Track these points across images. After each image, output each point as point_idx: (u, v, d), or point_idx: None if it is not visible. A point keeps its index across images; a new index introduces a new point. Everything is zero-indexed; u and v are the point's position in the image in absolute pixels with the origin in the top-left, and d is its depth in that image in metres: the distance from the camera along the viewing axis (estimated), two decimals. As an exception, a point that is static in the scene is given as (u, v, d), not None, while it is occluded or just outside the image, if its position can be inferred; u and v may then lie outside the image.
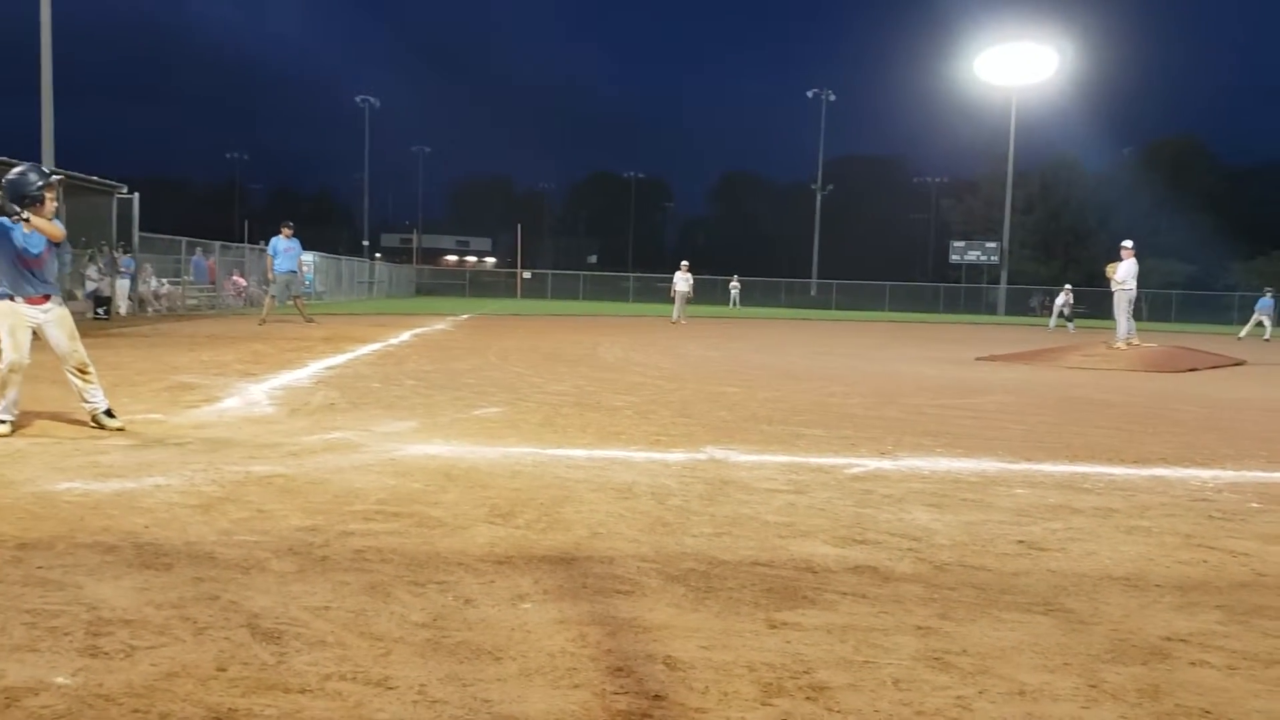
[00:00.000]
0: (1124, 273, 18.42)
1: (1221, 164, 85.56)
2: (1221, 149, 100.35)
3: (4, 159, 17.35)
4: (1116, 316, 18.61)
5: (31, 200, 6.60)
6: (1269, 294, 34.03)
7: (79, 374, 6.91)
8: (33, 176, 6.69)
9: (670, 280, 31.43)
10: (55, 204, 6.77)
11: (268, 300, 21.95)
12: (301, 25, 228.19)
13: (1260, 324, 32.92)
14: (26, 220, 6.48)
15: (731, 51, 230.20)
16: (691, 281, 30.95)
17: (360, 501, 4.94)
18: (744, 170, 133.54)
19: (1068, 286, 37.72)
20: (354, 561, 3.90)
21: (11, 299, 6.71)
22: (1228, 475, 6.50)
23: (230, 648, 2.98)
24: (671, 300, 30.69)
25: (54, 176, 6.90)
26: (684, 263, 31.32)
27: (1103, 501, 5.51)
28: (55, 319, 6.88)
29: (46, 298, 6.84)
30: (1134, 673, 3.02)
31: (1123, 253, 18.54)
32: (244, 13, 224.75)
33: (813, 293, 71.11)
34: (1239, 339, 30.79)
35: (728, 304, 55.13)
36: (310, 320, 21.42)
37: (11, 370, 6.67)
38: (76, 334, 6.99)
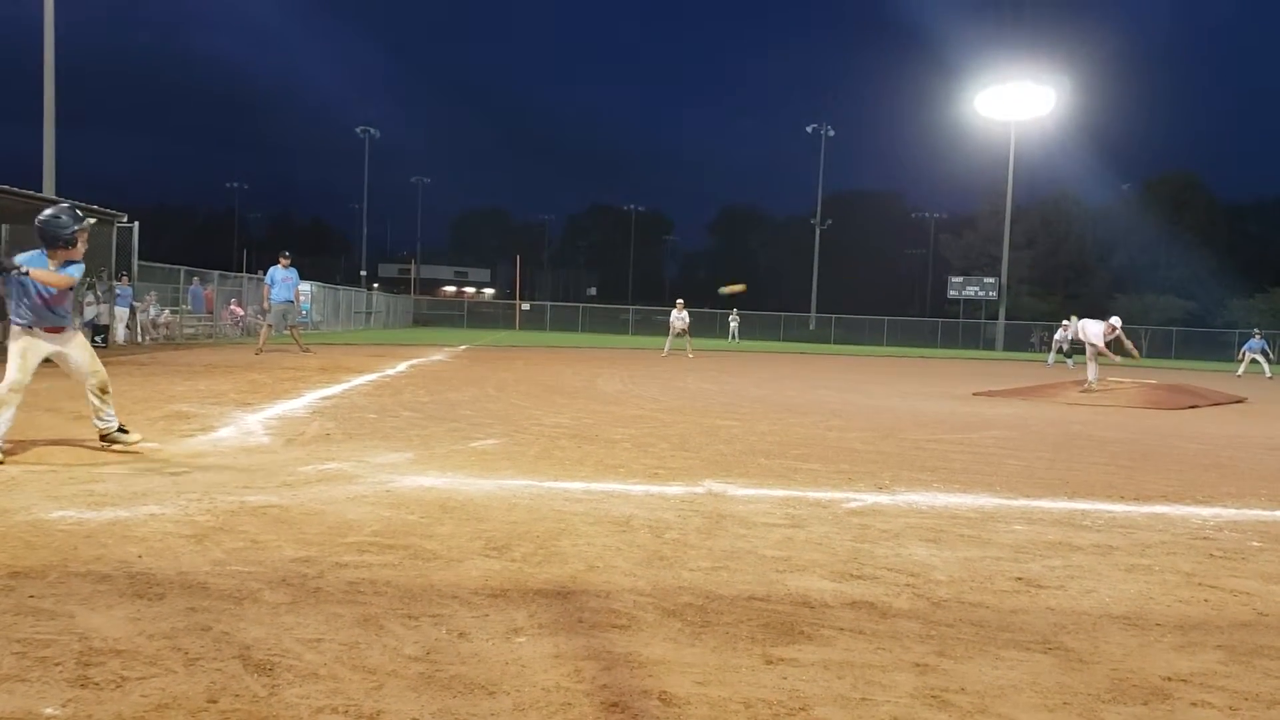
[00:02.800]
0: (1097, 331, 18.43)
1: (1219, 201, 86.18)
2: (1219, 186, 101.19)
3: (4, 187, 17.44)
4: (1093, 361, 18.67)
5: (65, 243, 6.88)
6: (1258, 335, 34.40)
7: (99, 394, 7.08)
8: (65, 219, 6.94)
9: (669, 317, 31.32)
10: (85, 246, 7.04)
11: (264, 329, 21.96)
12: (303, 56, 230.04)
13: (1255, 361, 33.01)
14: (25, 273, 6.65)
15: (732, 85, 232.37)
16: (686, 319, 30.80)
17: (355, 533, 4.91)
18: (744, 204, 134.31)
19: (1065, 323, 37.77)
20: (347, 593, 3.88)
21: (30, 329, 6.90)
22: (1229, 513, 6.48)
23: (222, 679, 2.95)
24: (680, 335, 30.53)
25: (88, 220, 7.09)
26: (679, 300, 31.28)
27: (1102, 539, 5.48)
28: (76, 343, 7.16)
29: (63, 329, 7.07)
30: (1135, 713, 2.99)
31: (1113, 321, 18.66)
32: (245, 43, 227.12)
33: (811, 326, 71.20)
34: (1238, 376, 30.84)
35: (727, 338, 55.16)
36: (306, 350, 21.44)
37: (12, 390, 6.75)
38: (95, 356, 7.24)
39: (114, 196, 24.33)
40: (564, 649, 3.34)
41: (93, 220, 7.18)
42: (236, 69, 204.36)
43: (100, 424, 7.08)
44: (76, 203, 7.14)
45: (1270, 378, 31.51)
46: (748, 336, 58.50)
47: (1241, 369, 33.21)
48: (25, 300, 6.83)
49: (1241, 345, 35.69)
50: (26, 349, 6.85)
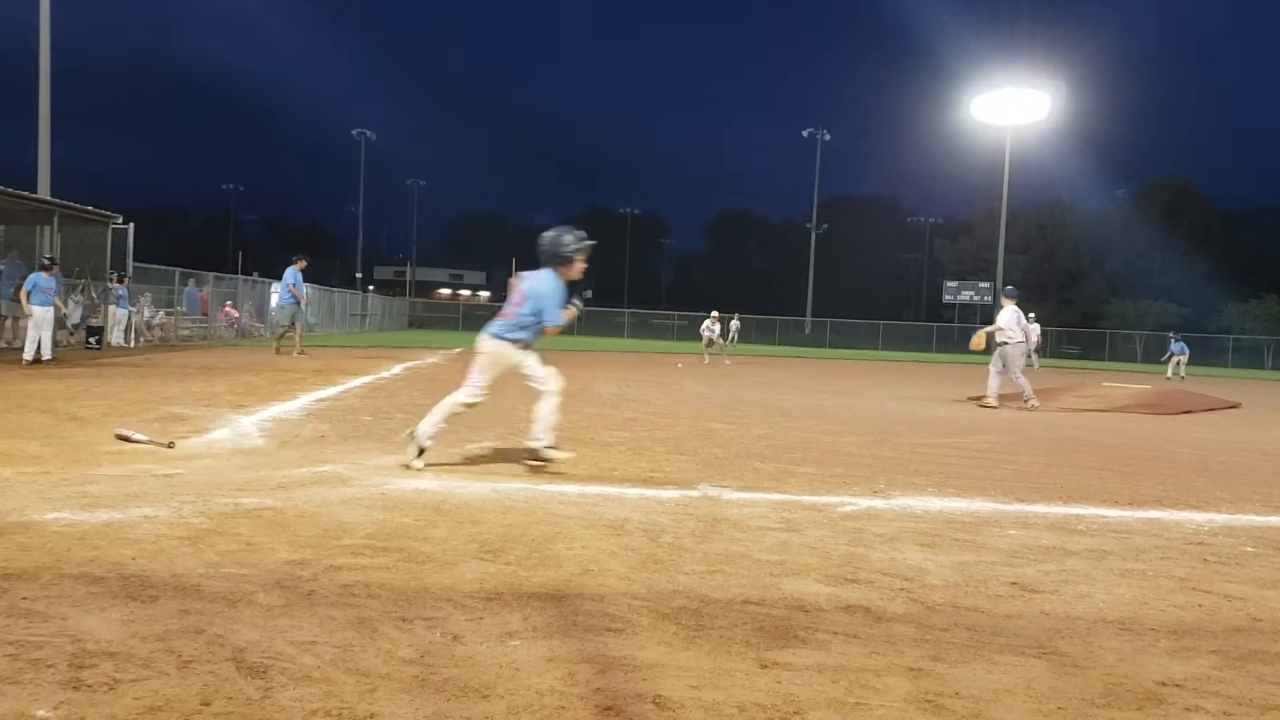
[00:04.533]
0: (1004, 321, 16.00)
1: (1213, 206, 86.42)
2: (1213, 192, 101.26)
3: (7, 190, 17.44)
4: (994, 374, 16.06)
5: (562, 260, 7.09)
6: (1175, 338, 36.81)
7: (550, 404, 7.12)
8: (568, 239, 7.13)
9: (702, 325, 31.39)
10: (584, 265, 7.23)
11: (280, 331, 22.46)
12: (299, 59, 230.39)
13: (1178, 364, 34.23)
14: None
15: (729, 89, 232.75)
16: (716, 330, 30.88)
17: (349, 535, 4.90)
18: (739, 208, 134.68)
19: (1037, 327, 37.94)
20: (341, 596, 3.87)
21: (497, 339, 7.08)
22: (1223, 519, 6.48)
23: (215, 682, 2.94)
24: (712, 342, 30.60)
25: (587, 241, 7.23)
26: (714, 312, 31.30)
27: (1097, 543, 5.48)
28: (533, 355, 7.19)
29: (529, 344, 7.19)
30: (1129, 718, 2.99)
31: (1003, 301, 16.45)
32: (241, 45, 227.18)
33: (806, 331, 71.24)
34: (1167, 379, 31.43)
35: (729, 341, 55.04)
36: (302, 352, 21.56)
37: (468, 408, 7.07)
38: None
39: (109, 197, 24.29)
40: (558, 652, 3.33)
41: (592, 241, 7.29)
42: (233, 70, 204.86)
43: (534, 442, 7.05)
44: (575, 228, 7.27)
45: (1183, 377, 33.37)
46: (743, 340, 58.46)
47: (1170, 371, 34.22)
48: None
49: (1243, 349, 37.03)
50: (495, 370, 7.08)
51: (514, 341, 7.06)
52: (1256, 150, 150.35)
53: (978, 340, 16.23)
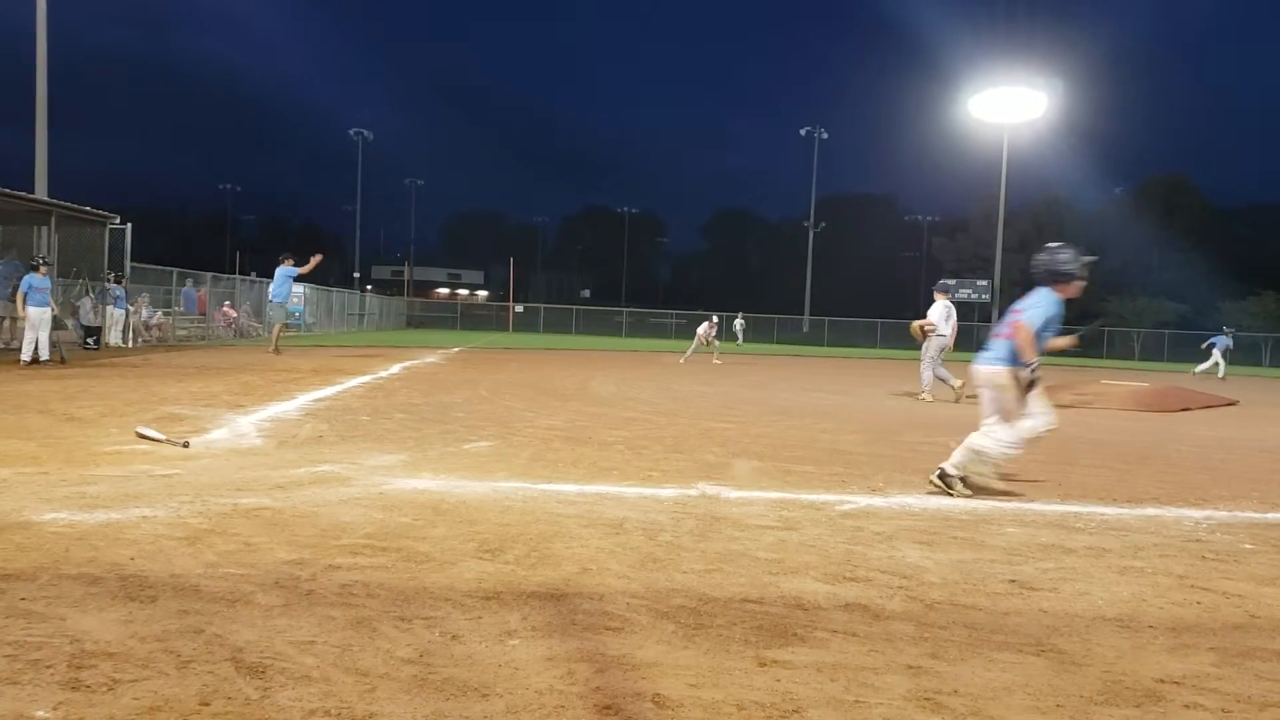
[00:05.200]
0: (934, 316, 16.14)
1: (1211, 204, 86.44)
2: (1210, 189, 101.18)
3: (4, 190, 17.42)
4: (936, 368, 16.26)
5: (1061, 278, 6.74)
6: (1228, 333, 34.16)
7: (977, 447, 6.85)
8: (1065, 256, 6.81)
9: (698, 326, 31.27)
10: (1084, 283, 6.83)
11: (276, 329, 22.49)
12: (296, 58, 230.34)
13: (1217, 363, 33.01)
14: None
15: (726, 89, 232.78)
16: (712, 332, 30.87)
17: (347, 535, 4.90)
18: (737, 206, 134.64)
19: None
20: (340, 596, 3.87)
21: (991, 364, 6.81)
22: (1221, 516, 6.49)
23: (214, 682, 2.94)
24: (705, 344, 30.60)
25: (1088, 258, 6.89)
26: (713, 316, 31.25)
27: (1095, 541, 5.49)
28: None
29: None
30: (1127, 715, 2.99)
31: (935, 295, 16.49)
32: (239, 45, 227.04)
33: (805, 329, 71.19)
34: (1193, 374, 31.01)
35: (734, 340, 55.03)
36: (277, 350, 21.80)
37: (1029, 442, 6.80)
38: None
39: (106, 198, 24.28)
40: (557, 651, 3.33)
41: (1093, 257, 6.95)
42: (230, 70, 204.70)
43: (952, 468, 6.81)
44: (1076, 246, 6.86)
45: (1194, 374, 31.89)
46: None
47: (1202, 367, 32.99)
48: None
49: (1241, 347, 35.40)
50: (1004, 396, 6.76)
51: (1007, 364, 6.73)
52: (1253, 147, 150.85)
53: (915, 330, 16.48)
